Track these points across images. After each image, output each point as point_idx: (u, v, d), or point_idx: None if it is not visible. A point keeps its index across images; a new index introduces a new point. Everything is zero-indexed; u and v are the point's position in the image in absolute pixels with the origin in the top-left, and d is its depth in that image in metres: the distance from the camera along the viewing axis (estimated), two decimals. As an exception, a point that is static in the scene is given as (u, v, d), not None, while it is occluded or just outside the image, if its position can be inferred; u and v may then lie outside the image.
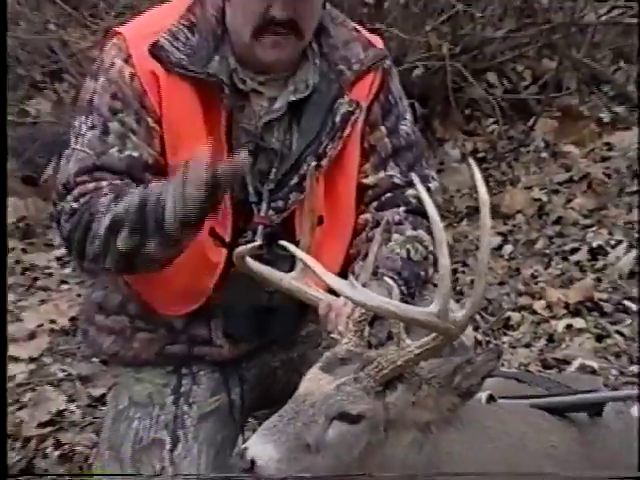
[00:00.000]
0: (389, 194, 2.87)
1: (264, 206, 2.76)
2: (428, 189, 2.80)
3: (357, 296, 2.35)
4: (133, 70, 2.68)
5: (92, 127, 2.71)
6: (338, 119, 2.77)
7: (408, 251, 2.78)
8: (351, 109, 2.78)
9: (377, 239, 2.64)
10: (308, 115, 2.77)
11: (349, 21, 2.90)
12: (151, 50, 2.66)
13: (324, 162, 2.77)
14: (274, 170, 2.77)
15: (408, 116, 2.95)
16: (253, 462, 2.28)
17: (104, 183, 2.66)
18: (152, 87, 2.68)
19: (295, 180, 2.77)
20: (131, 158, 2.69)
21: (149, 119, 2.70)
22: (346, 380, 2.37)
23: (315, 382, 2.40)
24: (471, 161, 2.47)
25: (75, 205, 2.66)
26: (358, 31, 2.87)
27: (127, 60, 2.69)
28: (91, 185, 2.67)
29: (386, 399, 2.38)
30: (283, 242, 2.50)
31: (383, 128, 2.88)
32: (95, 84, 2.73)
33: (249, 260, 2.56)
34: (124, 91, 2.69)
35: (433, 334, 2.33)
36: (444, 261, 2.28)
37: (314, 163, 2.72)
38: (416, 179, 2.44)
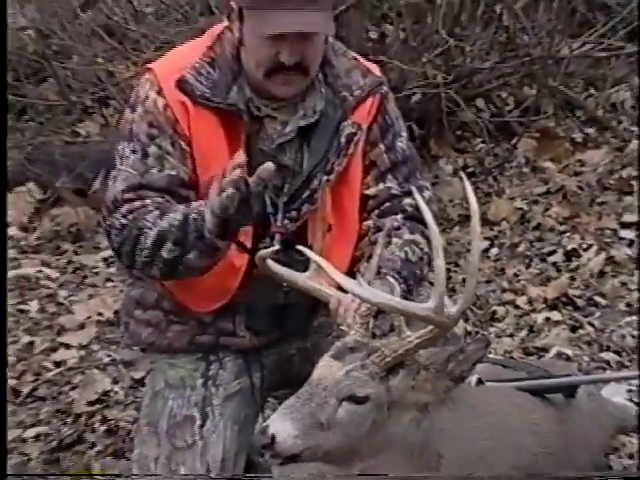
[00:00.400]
0: (388, 203, 2.85)
1: (280, 216, 2.76)
2: (423, 198, 2.83)
3: (363, 293, 2.37)
4: (165, 101, 2.69)
5: (134, 151, 2.72)
6: (343, 139, 2.76)
7: (406, 253, 2.78)
8: (354, 130, 2.77)
9: (380, 243, 2.66)
10: (316, 137, 2.77)
11: (349, 51, 2.88)
12: (178, 84, 2.67)
13: (332, 177, 2.77)
14: (287, 185, 2.76)
15: (403, 134, 2.93)
16: (273, 437, 2.29)
17: (148, 201, 2.67)
18: (182, 115, 2.69)
19: (307, 193, 2.76)
20: (169, 176, 2.70)
21: (181, 142, 2.70)
22: (354, 366, 2.38)
23: (327, 368, 2.41)
24: (462, 175, 2.51)
25: (124, 221, 2.68)
26: (357, 60, 2.85)
27: (159, 92, 2.70)
28: (137, 203, 2.68)
29: (389, 383, 2.39)
30: (300, 247, 2.53)
31: (382, 145, 2.86)
32: (133, 115, 2.74)
33: (269, 262, 2.57)
34: (159, 119, 2.70)
35: (430, 327, 2.34)
36: (439, 263, 2.30)
37: (325, 178, 2.74)
38: (415, 191, 2.51)
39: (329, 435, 2.36)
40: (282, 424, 2.32)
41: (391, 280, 2.68)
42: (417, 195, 2.39)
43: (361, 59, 2.87)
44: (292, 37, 2.57)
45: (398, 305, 2.39)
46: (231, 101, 2.67)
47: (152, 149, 2.70)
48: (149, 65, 2.77)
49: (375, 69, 2.87)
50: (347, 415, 2.37)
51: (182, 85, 2.66)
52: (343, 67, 2.79)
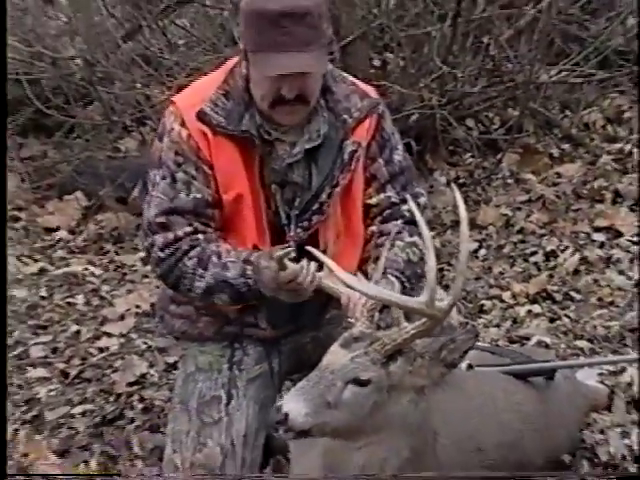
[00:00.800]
0: (389, 210, 2.85)
1: (292, 227, 2.77)
2: (418, 204, 2.82)
3: (364, 289, 2.42)
4: (188, 131, 2.69)
5: (163, 178, 2.73)
6: (346, 157, 2.75)
7: (408, 254, 2.79)
8: (355, 148, 2.76)
9: (386, 247, 2.69)
10: (322, 156, 2.76)
11: (348, 77, 2.86)
12: (198, 116, 2.67)
13: (338, 190, 2.77)
14: (298, 199, 2.77)
15: (399, 147, 2.91)
16: (287, 415, 2.32)
17: (180, 233, 2.71)
18: (203, 143, 2.69)
19: (316, 206, 2.76)
20: (195, 199, 2.71)
21: (204, 167, 2.71)
22: (358, 353, 2.39)
23: (335, 355, 2.42)
24: (453, 186, 2.49)
25: (162, 255, 2.73)
26: (355, 84, 2.84)
27: (183, 124, 2.69)
28: (170, 235, 2.71)
29: (389, 368, 2.39)
30: (310, 248, 2.56)
31: (380, 160, 2.85)
32: (162, 144, 2.74)
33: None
34: (183, 148, 2.70)
35: (424, 319, 2.36)
36: (430, 262, 2.32)
37: (331, 191, 2.75)
38: (409, 199, 2.54)
39: (336, 413, 2.38)
40: (294, 403, 2.34)
41: (392, 278, 2.68)
42: (411, 203, 2.43)
43: (359, 83, 2.87)
44: (291, 75, 2.56)
45: (394, 299, 2.40)
46: (244, 128, 2.68)
47: (179, 175, 2.71)
48: (173, 98, 2.79)
49: (372, 91, 2.86)
50: (352, 396, 2.38)
51: (201, 116, 2.67)
52: (342, 92, 2.78)
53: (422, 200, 2.90)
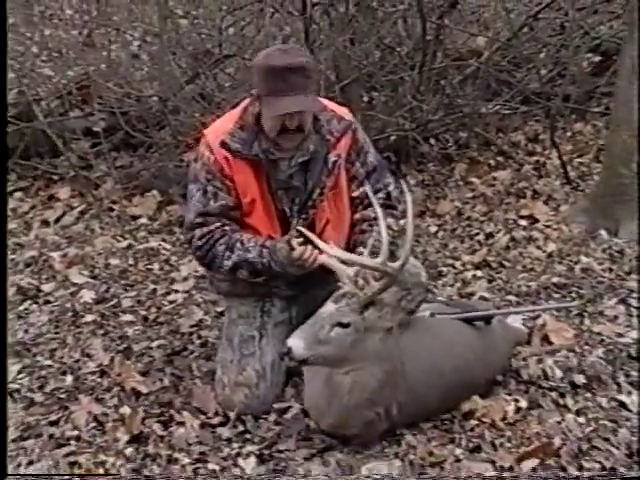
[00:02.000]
0: (367, 200, 2.79)
1: (295, 219, 2.76)
2: (388, 193, 2.86)
3: (337, 254, 2.51)
4: (214, 156, 2.69)
5: (198, 190, 2.73)
6: (330, 166, 2.74)
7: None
8: (336, 159, 2.75)
9: (368, 235, 2.73)
10: (313, 167, 2.74)
11: (327, 105, 2.82)
12: (221, 145, 2.68)
13: (325, 191, 2.76)
14: (298, 199, 2.75)
15: (371, 150, 2.89)
16: (290, 348, 2.37)
17: (212, 227, 2.70)
18: (226, 164, 2.69)
19: (310, 202, 2.75)
20: (221, 205, 2.72)
21: (227, 181, 2.70)
22: (342, 305, 2.42)
23: (327, 306, 2.45)
24: (405, 190, 2.47)
25: (199, 243, 2.73)
26: (334, 111, 2.81)
27: (211, 151, 2.70)
28: (205, 229, 2.71)
29: (364, 315, 2.44)
30: (301, 228, 2.65)
31: (357, 163, 2.84)
32: (196, 165, 2.75)
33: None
34: (211, 169, 2.70)
35: (385, 278, 2.38)
36: (383, 233, 2.37)
37: (319, 191, 2.74)
38: (372, 197, 2.56)
39: (326, 347, 2.40)
40: (295, 340, 2.38)
41: (363, 250, 2.64)
42: (373, 199, 2.52)
43: (336, 108, 2.82)
44: (292, 112, 2.57)
45: (359, 260, 2.47)
46: (254, 152, 2.66)
47: (209, 188, 2.71)
48: (204, 131, 2.78)
49: (346, 113, 2.83)
50: (336, 335, 2.41)
51: (223, 145, 2.67)
52: (325, 118, 2.75)
53: (391, 188, 2.88)
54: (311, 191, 2.74)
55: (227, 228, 2.72)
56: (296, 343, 2.36)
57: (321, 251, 2.58)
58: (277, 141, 2.66)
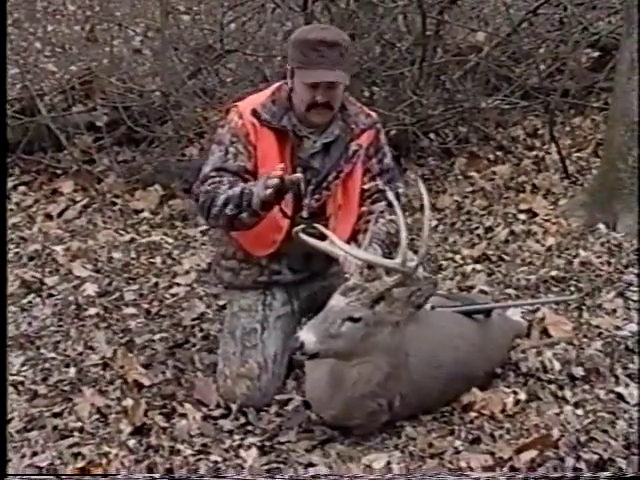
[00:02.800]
0: (376, 195, 2.84)
1: (308, 198, 2.77)
2: (397, 193, 2.85)
3: (355, 253, 2.49)
4: (243, 122, 2.73)
5: (220, 150, 2.76)
6: (350, 153, 2.78)
7: (388, 228, 2.78)
8: (357, 149, 2.79)
9: (372, 222, 2.72)
10: (333, 150, 2.78)
11: (357, 102, 2.91)
12: (252, 112, 2.72)
13: (341, 176, 2.79)
14: (314, 179, 2.77)
15: (388, 154, 2.93)
16: (302, 343, 2.35)
17: (224, 179, 2.71)
18: (252, 131, 2.72)
19: (325, 184, 2.78)
20: (239, 166, 2.73)
21: (250, 147, 2.73)
22: (353, 299, 2.41)
23: (336, 300, 2.43)
24: (420, 182, 2.61)
25: (208, 188, 2.71)
26: (362, 108, 2.89)
27: (240, 117, 2.74)
28: (217, 179, 2.71)
29: (374, 309, 2.42)
30: (317, 225, 2.61)
31: (374, 159, 2.87)
32: (223, 130, 2.78)
33: (301, 234, 2.60)
34: (237, 132, 2.73)
35: (398, 275, 2.39)
36: (403, 234, 2.40)
37: (335, 175, 2.77)
38: (389, 192, 2.63)
39: (337, 342, 2.39)
40: (307, 335, 2.36)
41: (376, 246, 2.68)
42: (389, 193, 2.63)
43: (364, 108, 2.90)
44: (324, 86, 2.64)
45: (379, 261, 2.48)
46: (283, 124, 2.71)
47: (231, 149, 2.73)
48: (236, 103, 2.84)
49: (372, 114, 2.90)
50: (347, 330, 2.39)
51: (254, 113, 2.71)
52: (353, 111, 2.81)
53: (400, 190, 2.90)
54: (327, 173, 2.77)
55: (238, 182, 2.71)
56: (308, 337, 2.34)
57: (340, 249, 2.55)
58: (306, 116, 2.71)
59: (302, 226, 2.63)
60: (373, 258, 2.51)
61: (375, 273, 2.49)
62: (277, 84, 2.85)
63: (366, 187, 2.86)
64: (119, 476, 2.43)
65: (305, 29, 2.81)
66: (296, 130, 2.74)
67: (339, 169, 2.77)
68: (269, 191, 2.53)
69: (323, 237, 2.61)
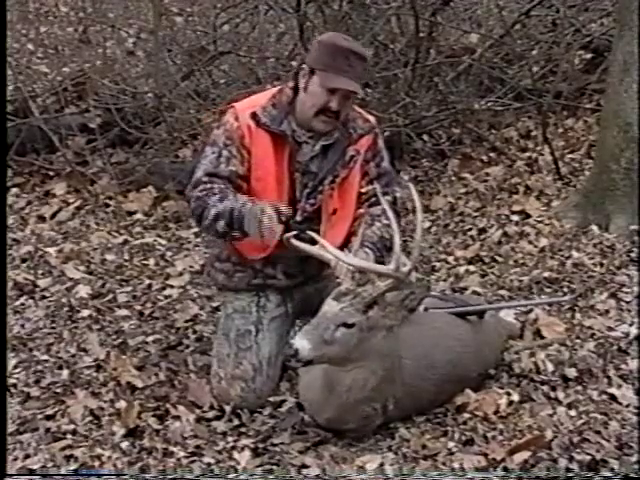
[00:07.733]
0: (374, 198, 2.82)
1: (303, 202, 2.76)
2: (394, 197, 2.87)
3: (347, 259, 2.49)
4: (239, 124, 2.70)
5: (213, 153, 2.74)
6: (347, 158, 2.77)
7: (382, 232, 2.77)
8: (354, 154, 2.78)
9: (363, 225, 2.73)
10: (331, 153, 2.77)
11: (356, 107, 2.88)
12: (251, 115, 2.70)
13: (337, 180, 2.77)
14: (311, 183, 2.76)
15: (386, 158, 2.93)
16: (296, 350, 2.34)
17: (215, 185, 2.69)
18: (247, 133, 2.70)
19: (320, 189, 2.76)
20: (231, 171, 2.71)
21: (244, 151, 2.71)
22: (346, 304, 2.41)
23: (329, 306, 2.43)
24: (410, 185, 2.62)
25: (199, 194, 2.70)
26: (361, 113, 2.87)
27: (236, 119, 2.71)
28: (208, 185, 2.69)
29: (368, 314, 2.41)
30: (311, 233, 2.61)
31: (372, 164, 2.86)
32: (218, 132, 2.75)
33: (293, 240, 2.62)
34: (232, 135, 2.71)
35: (391, 280, 2.39)
36: (396, 239, 2.39)
37: (331, 179, 2.75)
38: (383, 198, 2.60)
39: (331, 348, 2.38)
40: (301, 341, 2.35)
41: (368, 250, 2.67)
42: (383, 199, 2.59)
43: (363, 112, 2.89)
44: (341, 93, 2.63)
45: (372, 267, 2.47)
46: (282, 128, 2.68)
47: (224, 152, 2.71)
48: (234, 104, 2.80)
49: (371, 118, 2.88)
50: (342, 335, 2.39)
51: (253, 117, 2.68)
52: (352, 116, 2.80)
53: (397, 194, 2.91)
54: (323, 177, 2.76)
55: (229, 190, 2.71)
56: (302, 344, 2.34)
57: (332, 256, 2.55)
58: (311, 121, 2.69)
59: (293, 233, 2.63)
60: (366, 264, 2.51)
61: (367, 276, 2.48)
62: (278, 87, 2.83)
63: (363, 190, 2.86)
64: (119, 476, 2.43)
65: (334, 35, 2.80)
66: (295, 136, 2.72)
67: (335, 173, 2.76)
68: (256, 228, 2.55)
69: (315, 242, 2.61)
